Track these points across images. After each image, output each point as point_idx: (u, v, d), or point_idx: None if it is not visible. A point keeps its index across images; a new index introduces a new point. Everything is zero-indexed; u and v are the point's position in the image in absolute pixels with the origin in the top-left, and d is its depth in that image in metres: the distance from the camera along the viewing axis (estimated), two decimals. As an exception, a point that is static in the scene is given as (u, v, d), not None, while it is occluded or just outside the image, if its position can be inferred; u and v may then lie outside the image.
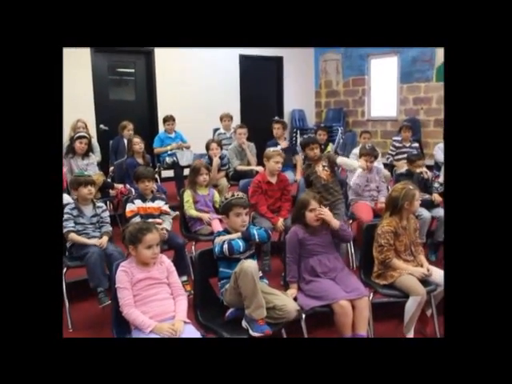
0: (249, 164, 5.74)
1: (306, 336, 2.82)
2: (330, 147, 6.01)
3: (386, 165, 6.29)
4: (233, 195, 2.84)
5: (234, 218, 2.76)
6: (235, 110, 8.25)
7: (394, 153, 6.23)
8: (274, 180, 4.11)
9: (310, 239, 2.93)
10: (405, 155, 6.07)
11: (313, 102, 9.76)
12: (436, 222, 4.39)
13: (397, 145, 6.26)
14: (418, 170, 4.50)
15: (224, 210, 2.81)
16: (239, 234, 2.72)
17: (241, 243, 2.65)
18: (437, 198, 4.35)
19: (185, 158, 5.91)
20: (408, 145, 6.20)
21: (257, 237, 2.72)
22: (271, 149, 4.31)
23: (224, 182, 5.25)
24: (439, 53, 8.15)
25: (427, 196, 4.37)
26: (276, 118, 8.98)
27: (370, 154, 4.42)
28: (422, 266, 3.09)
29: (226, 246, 2.61)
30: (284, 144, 5.77)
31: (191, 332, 2.32)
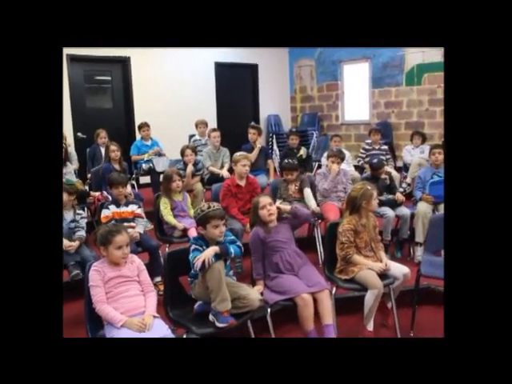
0: (222, 168, 5.92)
1: (272, 331, 3.00)
2: (303, 151, 6.20)
3: (357, 167, 6.53)
4: (209, 207, 2.84)
5: (212, 230, 2.77)
6: (211, 116, 8.42)
7: (363, 155, 6.45)
8: (242, 183, 4.30)
9: (270, 237, 3.11)
10: (374, 157, 6.33)
11: (288, 107, 9.98)
12: (400, 221, 4.63)
13: (367, 147, 6.49)
14: (383, 176, 4.71)
15: (201, 221, 2.80)
16: (216, 249, 2.69)
17: (214, 259, 2.65)
18: (399, 197, 4.57)
19: (161, 164, 6.06)
20: (377, 147, 6.44)
21: (233, 254, 2.79)
22: (238, 153, 4.51)
23: (199, 186, 5.42)
24: (408, 58, 8.44)
25: (391, 196, 4.60)
26: (252, 123, 9.20)
27: (336, 156, 4.64)
28: (381, 261, 3.29)
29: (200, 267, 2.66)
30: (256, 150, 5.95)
31: (160, 326, 2.48)
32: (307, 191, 4.47)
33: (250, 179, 4.38)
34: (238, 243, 2.88)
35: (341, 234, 3.23)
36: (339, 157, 4.65)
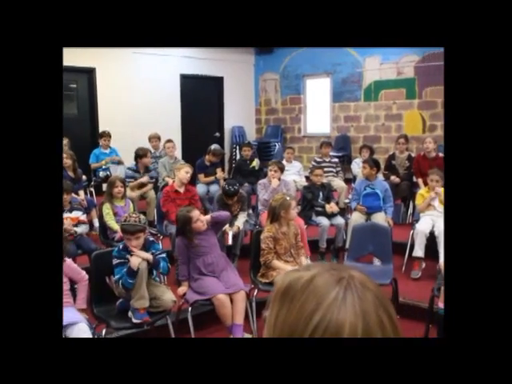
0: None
1: (192, 330, 3.22)
2: (255, 162, 6.47)
3: (308, 178, 6.81)
4: (125, 219, 3.04)
5: (126, 241, 3.02)
6: (176, 127, 8.67)
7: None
8: (181, 190, 4.58)
9: (194, 243, 3.35)
10: (325, 169, 6.63)
11: (253, 118, 10.27)
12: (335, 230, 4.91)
13: (318, 160, 6.78)
14: (318, 182, 5.00)
15: (121, 231, 3.09)
16: (150, 259, 2.95)
17: (130, 281, 2.88)
18: (328, 208, 4.84)
19: (118, 172, 6.27)
20: (328, 160, 6.73)
21: (161, 270, 3.08)
22: (181, 161, 4.78)
23: (152, 194, 5.64)
24: (366, 75, 8.82)
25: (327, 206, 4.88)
26: (216, 134, 9.50)
27: (274, 165, 4.92)
28: (300, 266, 3.56)
29: (120, 285, 2.92)
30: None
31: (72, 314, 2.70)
32: (242, 215, 4.57)
33: (189, 187, 4.66)
34: (167, 261, 3.14)
35: (261, 242, 3.49)
36: (278, 167, 4.92)
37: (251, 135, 10.09)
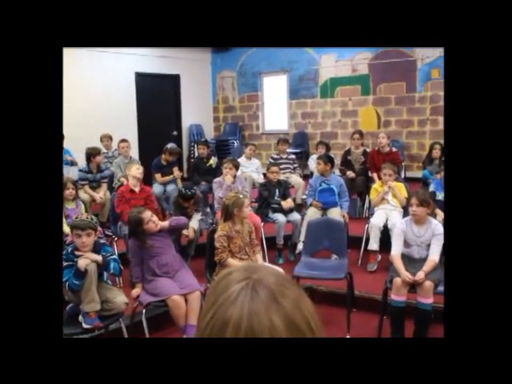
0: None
1: (146, 332, 3.17)
2: (212, 160, 6.43)
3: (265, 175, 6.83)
4: (76, 217, 3.00)
5: (75, 239, 2.94)
6: (132, 126, 8.53)
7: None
8: (137, 189, 4.50)
9: (147, 244, 3.30)
10: (281, 166, 6.66)
11: (211, 116, 10.22)
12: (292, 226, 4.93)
13: (275, 157, 6.81)
14: (274, 179, 5.01)
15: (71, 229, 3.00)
16: (99, 260, 2.89)
17: (77, 282, 2.80)
18: (284, 204, 4.86)
19: (70, 174, 6.10)
20: (285, 156, 6.77)
21: (111, 271, 3.01)
22: (136, 161, 4.71)
23: (107, 195, 5.53)
24: (322, 72, 8.91)
25: (282, 202, 4.90)
26: (174, 132, 9.40)
27: (229, 162, 4.90)
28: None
29: (67, 287, 2.83)
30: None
31: None
32: (196, 216, 4.53)
33: (144, 187, 4.59)
34: (118, 262, 3.08)
35: (215, 240, 3.47)
36: (233, 164, 4.90)
37: (209, 133, 10.03)
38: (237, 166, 4.97)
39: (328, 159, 4.99)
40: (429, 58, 7.95)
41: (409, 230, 3.41)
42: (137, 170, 4.48)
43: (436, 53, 7.86)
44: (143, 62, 8.70)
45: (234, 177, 4.97)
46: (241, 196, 3.54)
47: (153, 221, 3.28)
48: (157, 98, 9.08)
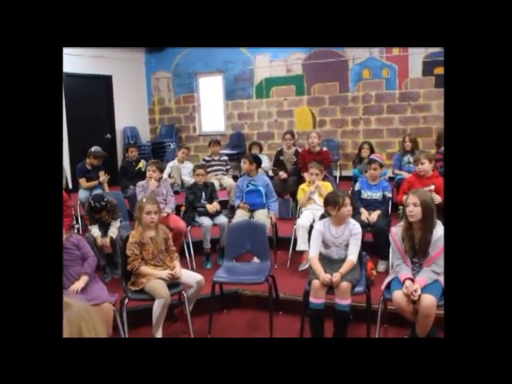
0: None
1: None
2: (142, 163, 6.24)
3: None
4: None
5: None
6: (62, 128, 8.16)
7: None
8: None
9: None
10: (214, 167, 6.56)
11: (146, 118, 9.96)
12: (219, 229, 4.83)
13: (207, 158, 6.70)
14: (200, 181, 4.90)
15: None
16: None
17: None
18: (210, 207, 4.76)
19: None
20: (217, 158, 6.67)
21: None
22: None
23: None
24: (257, 72, 8.87)
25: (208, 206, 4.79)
26: (108, 135, 9.10)
27: (152, 165, 4.75)
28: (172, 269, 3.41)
29: None
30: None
31: None
32: (114, 224, 4.39)
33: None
34: None
35: (127, 249, 3.32)
36: (157, 167, 4.74)
37: (145, 135, 9.79)
38: (161, 169, 4.82)
39: (253, 158, 4.92)
40: (359, 58, 8.07)
41: (327, 231, 3.38)
42: None
43: (366, 53, 8.00)
44: (72, 62, 8.33)
45: (159, 180, 4.81)
46: (144, 200, 3.39)
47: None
48: (88, 100, 8.75)
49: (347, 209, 3.28)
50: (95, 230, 4.20)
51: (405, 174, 5.72)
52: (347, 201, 3.26)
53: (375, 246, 4.41)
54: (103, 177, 5.86)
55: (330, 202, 3.31)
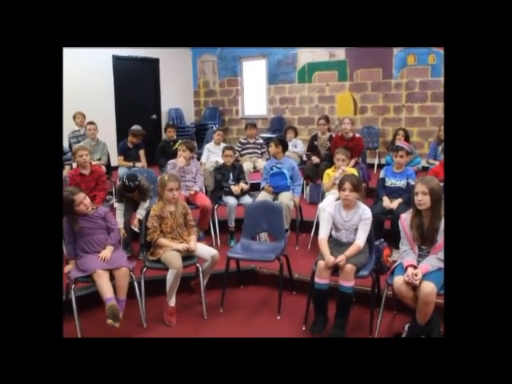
0: (100, 160, 6.13)
1: (75, 308, 3.21)
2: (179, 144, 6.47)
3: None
4: None
5: None
6: (109, 108, 8.56)
7: (240, 149, 6.80)
8: (86, 172, 4.60)
9: (79, 224, 3.38)
10: (249, 150, 6.72)
11: (191, 101, 10.24)
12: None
13: (242, 141, 6.85)
14: (228, 162, 5.07)
15: None
16: None
17: None
18: (234, 188, 4.92)
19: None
20: (252, 141, 6.80)
21: None
22: (77, 145, 4.80)
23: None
24: (300, 57, 8.89)
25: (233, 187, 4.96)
26: (153, 116, 9.42)
27: (183, 144, 4.96)
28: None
29: None
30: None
31: None
32: (143, 205, 4.52)
33: (95, 168, 4.67)
34: None
35: (147, 221, 3.55)
36: (187, 146, 4.95)
37: (190, 117, 10.07)
38: (191, 149, 5.02)
39: (280, 142, 5.03)
40: (404, 44, 7.92)
41: (337, 214, 3.46)
42: (80, 158, 4.59)
43: (411, 39, 7.82)
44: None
45: (190, 159, 5.02)
46: (166, 177, 3.60)
47: (84, 203, 3.36)
48: (135, 82, 9.09)
49: (345, 193, 3.35)
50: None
51: (438, 164, 5.64)
52: (346, 185, 3.33)
53: (392, 233, 4.42)
54: (142, 162, 6.16)
55: (338, 185, 3.40)
